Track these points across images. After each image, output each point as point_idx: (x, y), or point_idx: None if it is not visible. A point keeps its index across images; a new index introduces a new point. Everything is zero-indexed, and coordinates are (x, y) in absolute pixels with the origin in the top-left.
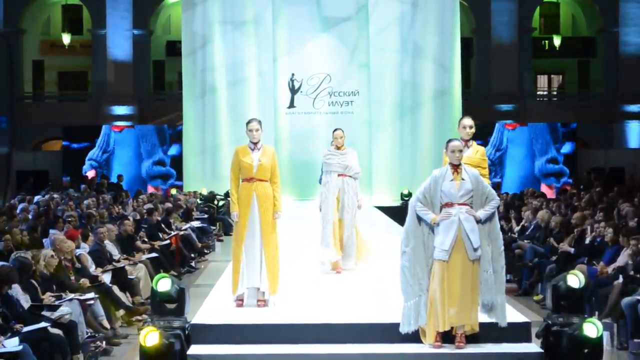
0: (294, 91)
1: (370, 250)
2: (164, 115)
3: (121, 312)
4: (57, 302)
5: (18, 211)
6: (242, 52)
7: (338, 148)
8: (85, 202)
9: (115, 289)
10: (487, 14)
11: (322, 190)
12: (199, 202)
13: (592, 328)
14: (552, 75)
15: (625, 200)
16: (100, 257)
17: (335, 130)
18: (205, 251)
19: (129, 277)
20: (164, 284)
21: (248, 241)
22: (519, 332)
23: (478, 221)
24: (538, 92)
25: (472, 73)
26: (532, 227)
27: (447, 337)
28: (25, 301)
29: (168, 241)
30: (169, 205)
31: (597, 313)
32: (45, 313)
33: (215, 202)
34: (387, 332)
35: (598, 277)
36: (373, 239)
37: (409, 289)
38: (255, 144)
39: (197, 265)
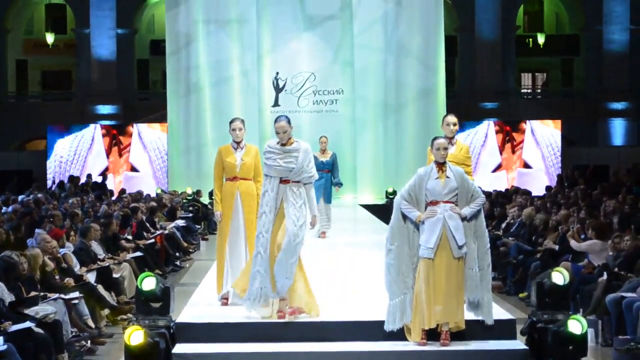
0: (278, 90)
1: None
2: (149, 114)
3: (106, 311)
4: (40, 300)
5: (3, 211)
6: (226, 51)
7: (283, 144)
8: (70, 201)
9: (100, 288)
10: (471, 12)
11: (261, 202)
12: (185, 201)
13: (576, 325)
14: (536, 73)
15: (610, 197)
16: (85, 256)
17: (276, 120)
18: (190, 250)
19: (113, 276)
20: (149, 282)
21: (232, 240)
22: (503, 329)
23: (463, 219)
24: (522, 90)
25: (456, 71)
26: (516, 224)
27: (432, 334)
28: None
29: (153, 240)
30: (153, 204)
31: (581, 310)
32: (28, 312)
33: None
34: (372, 330)
35: (582, 274)
36: (358, 238)
37: (394, 287)
38: (238, 143)
39: (182, 264)
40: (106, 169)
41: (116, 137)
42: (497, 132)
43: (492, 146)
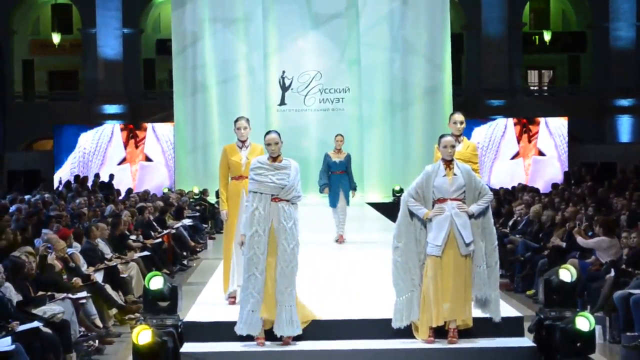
0: (284, 88)
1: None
2: (155, 114)
3: (114, 310)
4: (47, 300)
5: (11, 211)
6: (232, 50)
7: (274, 160)
8: (77, 201)
9: (108, 287)
10: (477, 9)
11: (249, 221)
12: (192, 200)
13: (584, 322)
14: (543, 71)
15: (617, 195)
16: (92, 256)
17: (267, 133)
18: (198, 249)
19: (121, 275)
20: (157, 282)
21: (238, 239)
22: (511, 326)
23: (471, 216)
24: (529, 88)
25: (463, 69)
26: (524, 221)
27: (439, 332)
28: (17, 301)
29: (160, 239)
30: (159, 203)
31: (589, 307)
32: (36, 311)
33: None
34: (380, 328)
35: (590, 271)
36: (366, 236)
37: (401, 284)
38: (243, 142)
39: (189, 263)
40: (123, 160)
41: (133, 131)
42: (515, 124)
43: (511, 136)
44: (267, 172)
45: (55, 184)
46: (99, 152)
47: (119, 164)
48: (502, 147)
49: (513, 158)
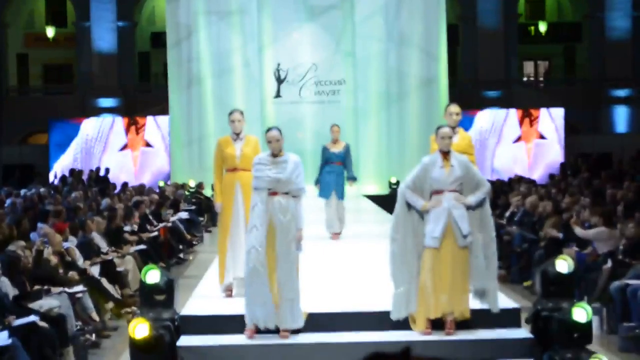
0: (280, 81)
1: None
2: (150, 107)
3: (110, 304)
4: (44, 294)
5: (6, 205)
6: (227, 43)
7: (275, 155)
8: (73, 195)
9: (104, 281)
10: (472, 0)
11: (250, 216)
12: (187, 193)
13: (581, 312)
14: (539, 61)
15: (614, 185)
16: (89, 250)
17: (268, 130)
18: (194, 242)
19: (117, 269)
20: (153, 275)
21: (233, 231)
22: (508, 317)
23: (468, 207)
24: (525, 78)
25: (458, 60)
26: (520, 213)
27: (437, 324)
28: (13, 295)
29: (156, 233)
30: (154, 196)
31: (586, 298)
32: (32, 306)
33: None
34: (378, 320)
35: (587, 262)
36: (362, 228)
37: (399, 276)
38: (237, 134)
39: (185, 256)
40: (125, 146)
41: (133, 118)
42: (517, 108)
43: (513, 120)
44: (264, 167)
45: (51, 178)
46: (101, 138)
47: (121, 149)
48: (504, 131)
49: (516, 142)
